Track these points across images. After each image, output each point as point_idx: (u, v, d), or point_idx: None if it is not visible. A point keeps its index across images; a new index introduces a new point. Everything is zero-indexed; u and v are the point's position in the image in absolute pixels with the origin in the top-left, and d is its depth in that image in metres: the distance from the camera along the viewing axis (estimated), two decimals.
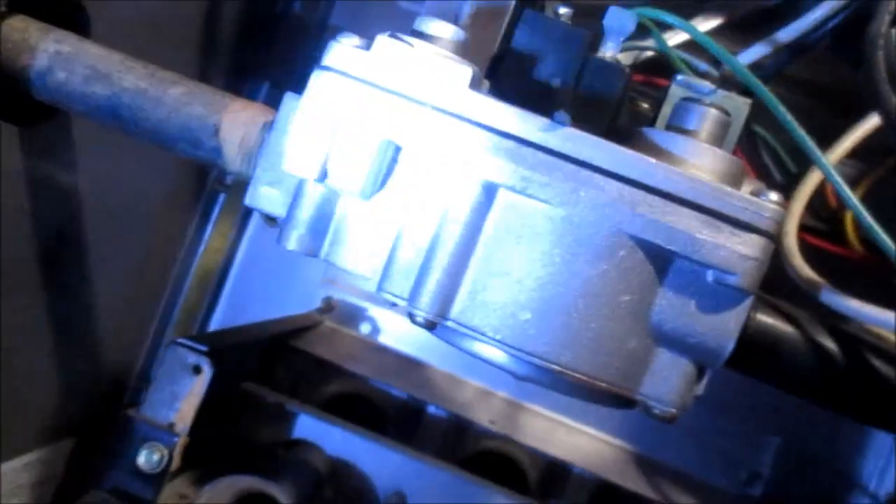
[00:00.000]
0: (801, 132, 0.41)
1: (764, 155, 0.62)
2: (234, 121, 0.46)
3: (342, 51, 0.38)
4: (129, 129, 0.47)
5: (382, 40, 0.38)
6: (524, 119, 0.37)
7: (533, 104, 0.44)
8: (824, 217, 0.62)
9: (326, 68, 0.38)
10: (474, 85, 0.38)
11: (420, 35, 0.40)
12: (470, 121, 0.37)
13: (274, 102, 0.81)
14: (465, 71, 0.38)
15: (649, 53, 0.58)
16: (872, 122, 0.52)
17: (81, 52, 0.48)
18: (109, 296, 0.67)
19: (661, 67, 0.56)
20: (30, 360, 0.58)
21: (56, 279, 0.59)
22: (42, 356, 0.60)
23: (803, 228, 0.56)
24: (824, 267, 0.52)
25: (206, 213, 0.80)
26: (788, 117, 0.40)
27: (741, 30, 0.60)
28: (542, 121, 0.37)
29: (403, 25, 0.77)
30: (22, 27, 0.48)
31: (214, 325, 0.82)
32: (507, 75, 0.44)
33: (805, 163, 0.58)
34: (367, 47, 0.39)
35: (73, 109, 0.48)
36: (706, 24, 0.60)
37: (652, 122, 0.46)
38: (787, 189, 0.56)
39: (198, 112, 0.46)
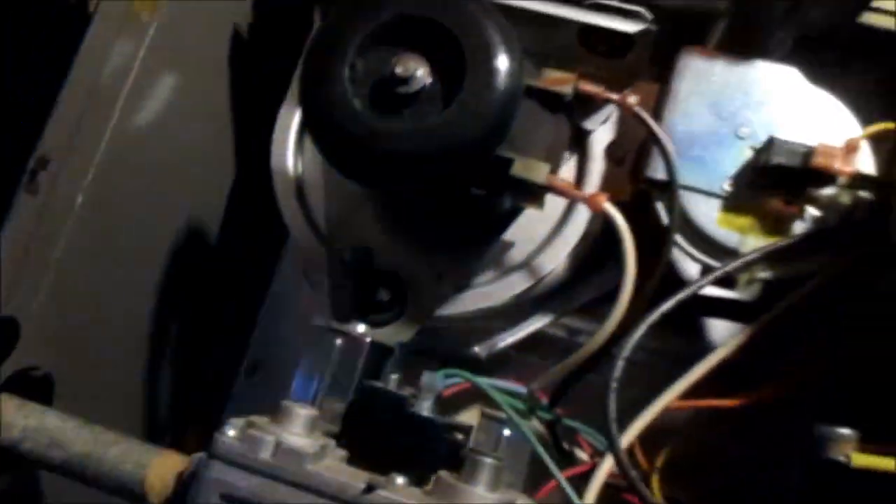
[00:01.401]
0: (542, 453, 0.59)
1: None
2: (157, 474, 0.62)
3: (221, 440, 0.55)
4: (78, 480, 0.63)
5: (248, 432, 0.55)
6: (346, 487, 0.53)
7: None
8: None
9: (211, 456, 0.55)
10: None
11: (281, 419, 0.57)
12: (309, 489, 0.53)
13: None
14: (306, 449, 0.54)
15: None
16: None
17: (44, 423, 0.64)
18: None
19: None
20: None
21: None
22: None
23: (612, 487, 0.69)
24: None
25: None
26: (534, 442, 0.58)
27: None
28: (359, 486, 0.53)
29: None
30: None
31: None
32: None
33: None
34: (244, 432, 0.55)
35: (36, 468, 0.64)
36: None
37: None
38: None
39: (129, 469, 0.62)
